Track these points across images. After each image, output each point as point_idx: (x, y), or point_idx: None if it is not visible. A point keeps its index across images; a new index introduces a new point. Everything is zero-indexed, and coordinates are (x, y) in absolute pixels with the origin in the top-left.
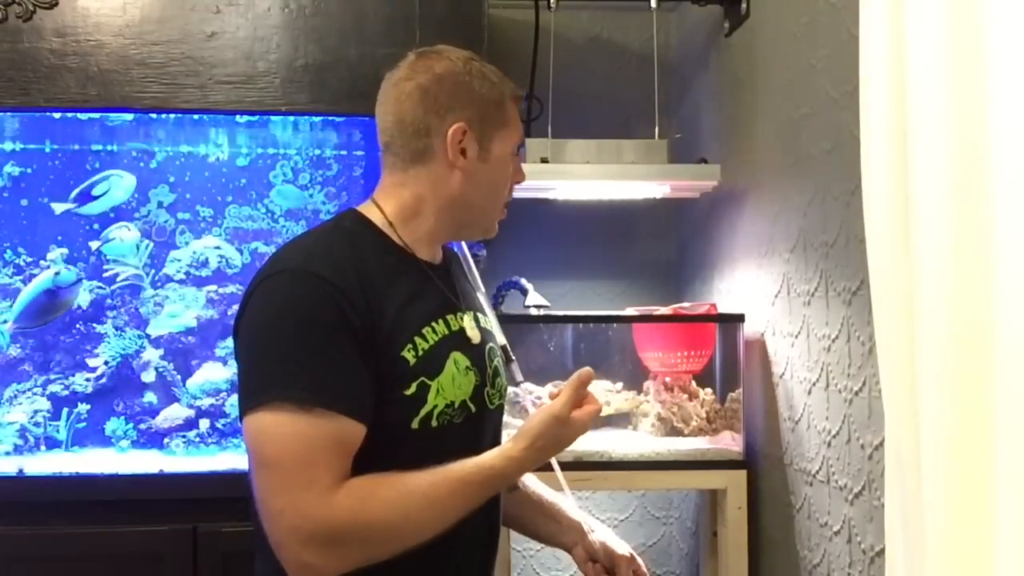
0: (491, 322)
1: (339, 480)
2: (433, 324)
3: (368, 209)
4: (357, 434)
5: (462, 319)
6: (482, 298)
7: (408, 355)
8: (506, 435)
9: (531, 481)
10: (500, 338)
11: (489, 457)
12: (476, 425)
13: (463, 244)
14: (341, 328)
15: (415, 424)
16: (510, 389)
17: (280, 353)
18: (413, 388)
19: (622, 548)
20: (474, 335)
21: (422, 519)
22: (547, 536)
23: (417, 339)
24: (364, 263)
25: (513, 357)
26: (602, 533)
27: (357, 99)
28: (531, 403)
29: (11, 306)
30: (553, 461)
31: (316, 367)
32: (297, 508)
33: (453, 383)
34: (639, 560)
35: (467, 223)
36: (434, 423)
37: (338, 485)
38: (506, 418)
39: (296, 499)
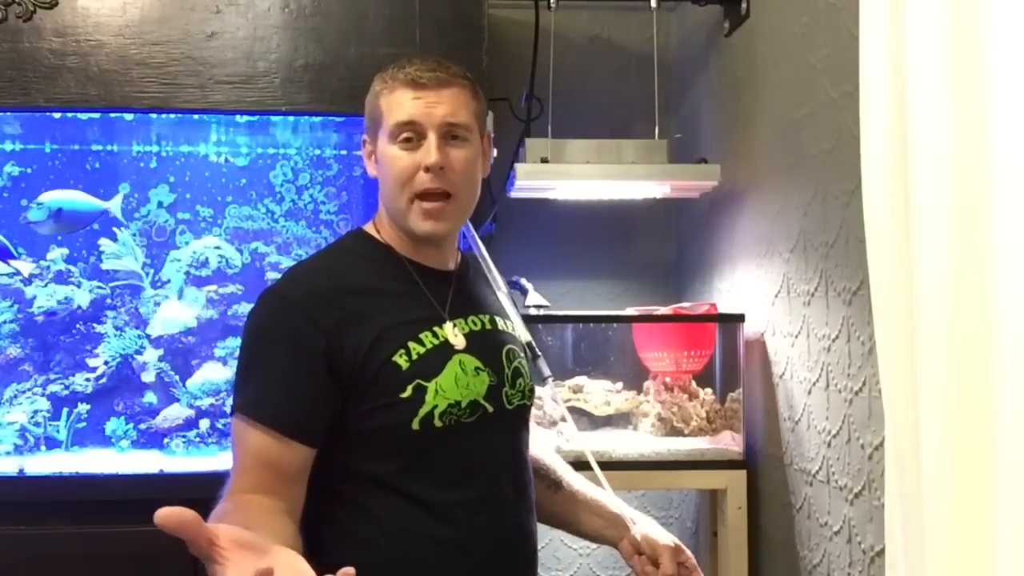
0: (514, 322)
1: (250, 490)
2: (435, 329)
3: (371, 224)
4: (284, 451)
5: (445, 329)
6: (503, 298)
7: (400, 360)
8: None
9: (574, 479)
10: (524, 335)
11: None
12: (492, 425)
13: (480, 245)
14: (298, 349)
15: (415, 425)
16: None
17: (243, 367)
18: (409, 391)
19: (665, 538)
20: (458, 342)
21: None
22: (592, 532)
23: (412, 344)
24: (354, 282)
25: (539, 353)
26: (645, 525)
27: (357, 99)
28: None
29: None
30: (590, 456)
31: (261, 383)
32: None
33: (457, 384)
34: (686, 551)
35: (396, 222)
36: (438, 423)
37: (243, 493)
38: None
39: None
